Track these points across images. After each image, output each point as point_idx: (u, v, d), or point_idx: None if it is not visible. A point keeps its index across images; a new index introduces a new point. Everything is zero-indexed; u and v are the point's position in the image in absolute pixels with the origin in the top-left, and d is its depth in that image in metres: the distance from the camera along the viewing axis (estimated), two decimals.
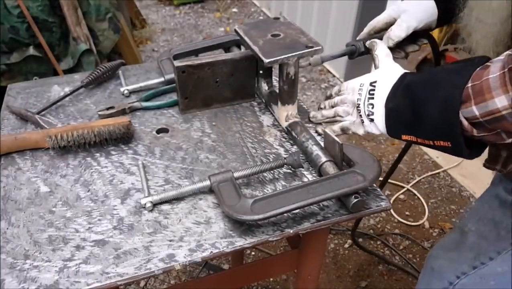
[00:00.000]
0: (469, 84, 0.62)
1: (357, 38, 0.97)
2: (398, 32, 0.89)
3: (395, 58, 0.87)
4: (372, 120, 0.78)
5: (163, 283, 1.72)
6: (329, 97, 0.91)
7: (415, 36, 0.92)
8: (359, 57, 0.96)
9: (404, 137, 0.73)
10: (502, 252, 0.85)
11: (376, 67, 0.84)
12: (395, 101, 0.74)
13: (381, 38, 0.92)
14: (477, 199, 0.97)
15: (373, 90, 0.78)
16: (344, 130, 0.85)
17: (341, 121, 0.86)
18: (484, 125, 0.62)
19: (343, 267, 1.80)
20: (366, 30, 0.96)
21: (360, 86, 0.80)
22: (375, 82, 0.78)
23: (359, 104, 0.80)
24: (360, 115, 0.80)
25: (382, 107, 0.75)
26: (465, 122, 0.63)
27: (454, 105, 0.63)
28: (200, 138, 0.91)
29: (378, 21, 0.94)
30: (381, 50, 0.86)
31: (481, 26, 0.76)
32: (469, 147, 0.65)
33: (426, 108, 0.67)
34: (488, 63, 0.62)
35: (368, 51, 0.91)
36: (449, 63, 0.74)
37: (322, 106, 0.91)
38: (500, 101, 0.58)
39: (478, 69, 0.63)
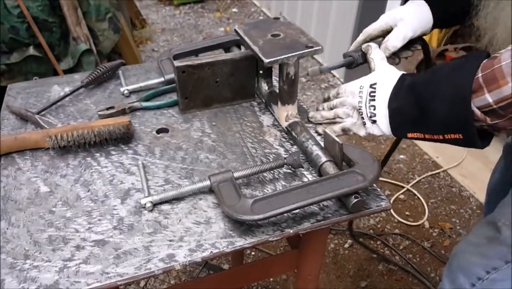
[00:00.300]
0: (479, 74, 0.63)
1: (352, 45, 0.98)
2: (395, 43, 0.90)
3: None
4: (374, 121, 0.78)
5: (163, 283, 1.72)
6: (327, 99, 0.91)
7: (408, 41, 0.93)
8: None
9: (410, 135, 0.74)
10: None
11: (372, 70, 0.85)
12: (398, 101, 0.74)
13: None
14: (509, 193, 0.96)
15: (374, 92, 0.78)
16: (345, 131, 0.86)
17: (341, 122, 0.86)
18: (497, 112, 0.63)
19: (343, 267, 1.80)
20: (361, 37, 0.97)
21: (360, 88, 0.81)
22: (375, 84, 0.79)
23: (360, 107, 0.80)
24: (362, 117, 0.80)
25: (385, 108, 0.76)
26: (477, 112, 0.64)
27: (465, 96, 0.64)
28: (200, 138, 0.91)
29: (373, 29, 0.95)
30: (376, 54, 0.87)
31: (502, 24, 0.77)
32: (479, 138, 0.66)
33: (434, 103, 0.68)
34: (495, 54, 0.64)
35: (365, 58, 0.92)
36: (448, 62, 0.75)
37: (320, 108, 0.91)
38: None
39: (485, 60, 0.64)
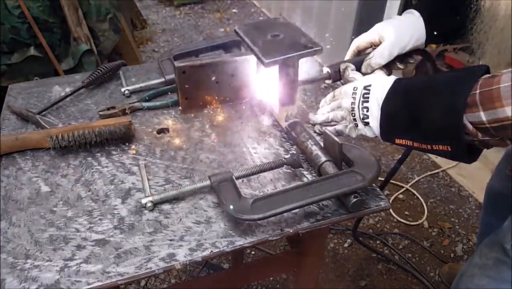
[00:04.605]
0: (477, 91, 0.62)
1: (346, 55, 0.97)
2: (378, 60, 0.90)
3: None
4: (367, 123, 0.78)
5: (163, 283, 1.72)
6: (325, 102, 0.91)
7: (403, 54, 0.92)
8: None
9: (398, 141, 0.73)
10: None
11: None
12: (392, 104, 0.73)
13: (362, 60, 0.92)
14: None
15: (368, 93, 0.77)
16: (338, 133, 0.85)
17: (335, 125, 0.86)
18: (490, 131, 0.63)
19: (343, 266, 1.80)
20: (352, 47, 0.96)
21: (354, 90, 0.80)
22: (369, 86, 0.78)
23: (353, 108, 0.79)
24: (354, 119, 0.80)
25: (378, 110, 0.75)
26: (469, 125, 0.64)
27: (459, 108, 0.63)
28: (200, 138, 0.92)
29: (362, 40, 0.94)
30: (354, 74, 0.87)
31: (493, 38, 0.77)
32: (467, 152, 0.66)
33: (427, 112, 0.67)
34: (497, 73, 0.63)
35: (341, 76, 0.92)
36: (447, 71, 0.74)
37: (318, 111, 0.91)
38: (510, 110, 0.59)
39: (485, 77, 0.64)
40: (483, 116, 0.62)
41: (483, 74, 0.65)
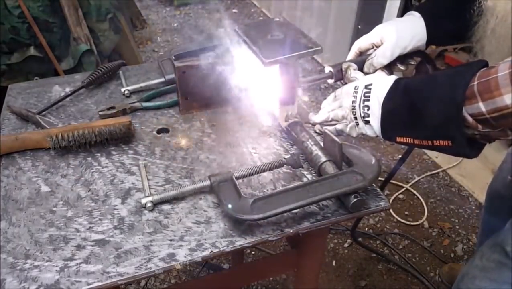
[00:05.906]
0: (475, 82, 0.63)
1: (348, 55, 0.98)
2: (381, 60, 0.91)
3: None
4: (367, 122, 0.78)
5: (163, 283, 1.72)
6: (327, 103, 0.91)
7: (404, 55, 0.92)
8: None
9: (399, 139, 0.73)
10: None
11: None
12: (392, 103, 0.74)
13: (364, 61, 0.93)
14: None
15: (369, 92, 0.78)
16: (338, 133, 0.85)
17: (336, 124, 0.86)
18: (490, 122, 0.63)
19: (343, 266, 1.80)
20: (353, 49, 0.97)
21: (355, 88, 0.81)
22: (370, 84, 0.78)
23: (354, 107, 0.80)
24: (355, 118, 0.80)
25: (379, 109, 0.76)
26: (469, 118, 0.64)
27: (457, 102, 0.63)
28: (200, 138, 0.92)
29: (364, 41, 0.94)
30: (355, 74, 0.88)
31: (493, 38, 0.77)
32: (468, 147, 0.66)
33: (427, 108, 0.68)
34: (494, 64, 0.63)
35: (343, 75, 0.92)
36: (446, 68, 0.75)
37: (320, 112, 0.91)
38: (509, 98, 0.59)
39: (483, 69, 0.64)
40: (482, 106, 0.62)
41: (482, 68, 0.65)
